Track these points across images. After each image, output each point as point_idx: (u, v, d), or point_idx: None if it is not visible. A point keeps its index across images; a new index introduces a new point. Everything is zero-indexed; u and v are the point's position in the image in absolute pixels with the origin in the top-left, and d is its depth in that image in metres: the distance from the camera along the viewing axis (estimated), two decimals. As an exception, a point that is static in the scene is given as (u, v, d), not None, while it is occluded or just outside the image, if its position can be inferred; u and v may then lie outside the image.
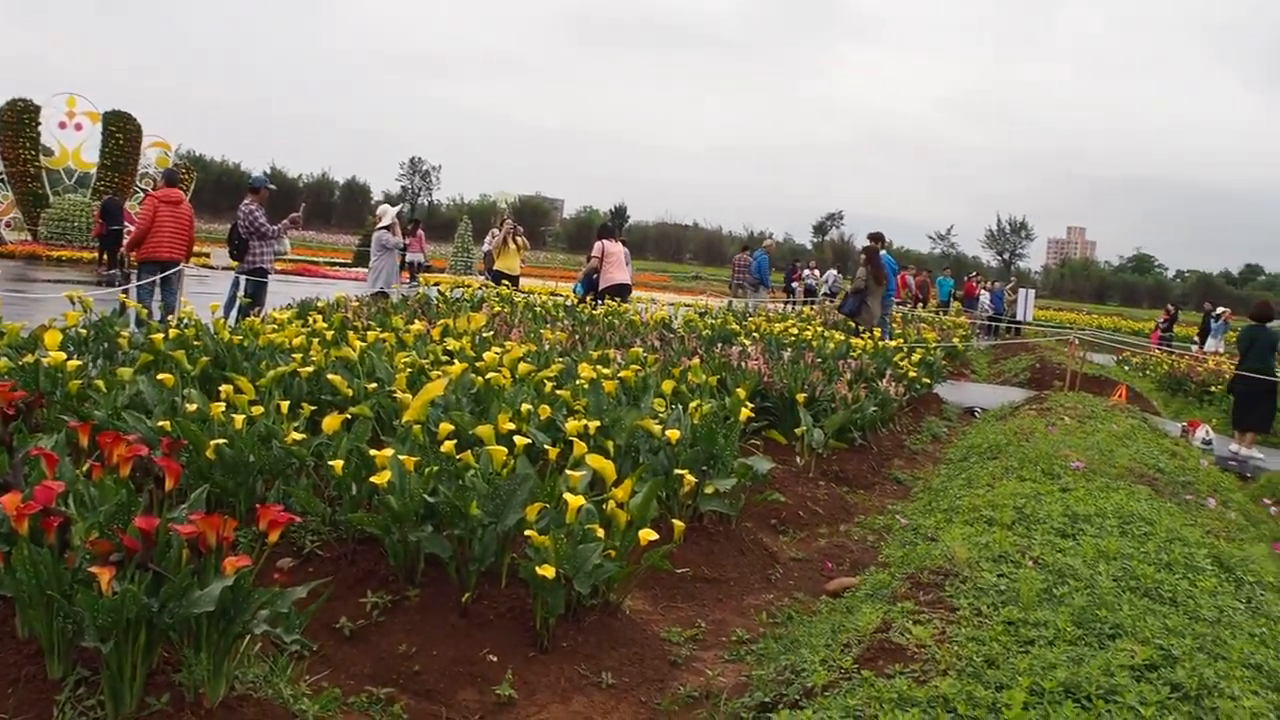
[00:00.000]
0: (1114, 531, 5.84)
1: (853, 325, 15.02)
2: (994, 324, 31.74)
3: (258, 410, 5.26)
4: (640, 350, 9.03)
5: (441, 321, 9.51)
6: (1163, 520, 6.45)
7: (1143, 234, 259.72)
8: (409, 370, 6.69)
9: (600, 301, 14.23)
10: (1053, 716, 3.28)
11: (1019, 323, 30.94)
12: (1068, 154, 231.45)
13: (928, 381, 13.49)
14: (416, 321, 9.60)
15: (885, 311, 16.24)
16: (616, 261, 15.93)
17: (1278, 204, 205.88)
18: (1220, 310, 29.88)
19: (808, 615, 5.47)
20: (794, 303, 23.90)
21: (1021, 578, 4.60)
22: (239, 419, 4.97)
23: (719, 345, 10.92)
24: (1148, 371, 23.08)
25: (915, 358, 12.80)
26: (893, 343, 12.32)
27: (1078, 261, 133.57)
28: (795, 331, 12.69)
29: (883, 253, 15.91)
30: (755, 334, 12.39)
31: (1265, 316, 14.41)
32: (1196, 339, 28.76)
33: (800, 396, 8.54)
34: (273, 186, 13.45)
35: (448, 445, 4.87)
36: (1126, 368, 24.56)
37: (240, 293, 12.45)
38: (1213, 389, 18.57)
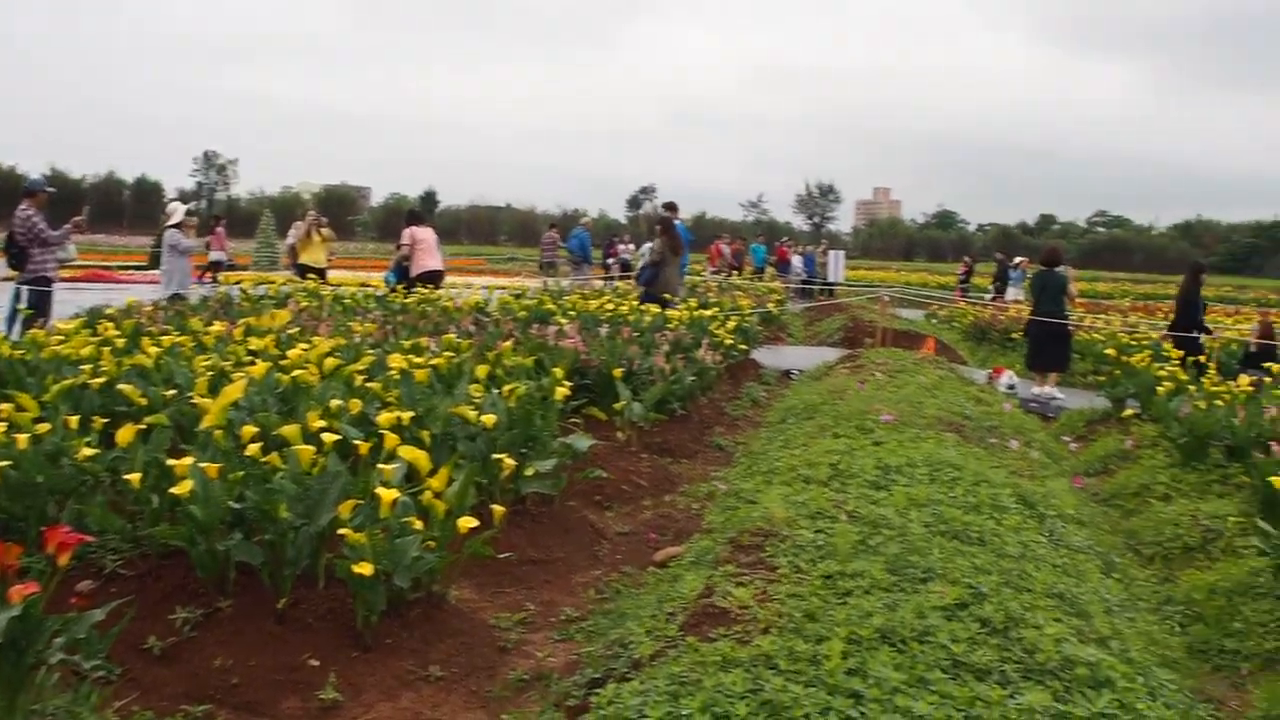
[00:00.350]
0: (924, 479, 6.02)
1: (659, 297, 14.96)
2: (808, 287, 32.41)
3: (43, 428, 4.99)
4: (454, 336, 8.92)
5: (244, 321, 9.23)
6: (970, 465, 6.69)
7: (945, 191, 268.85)
8: (210, 374, 6.45)
9: (412, 289, 14.00)
10: (870, 663, 3.35)
11: (831, 284, 31.62)
12: (870, 115, 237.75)
13: (745, 348, 13.69)
14: (217, 322, 9.29)
15: (681, 278, 16.28)
16: (428, 248, 15.70)
17: (1066, 156, 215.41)
18: (1018, 259, 31.05)
19: (636, 588, 5.50)
20: (611, 279, 23.96)
21: (838, 532, 4.71)
22: (22, 438, 4.72)
23: (535, 326, 10.88)
24: (954, 323, 23.87)
25: (730, 325, 12.98)
26: (674, 312, 12.38)
27: (885, 221, 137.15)
28: (611, 307, 12.72)
29: (677, 222, 15.83)
30: (571, 312, 12.37)
31: (1054, 261, 15.03)
32: (992, 287, 29.90)
33: (618, 371, 8.56)
34: (51, 189, 12.74)
35: (253, 448, 4.72)
36: (934, 321, 25.37)
37: (22, 304, 11.76)
38: (1014, 336, 19.32)
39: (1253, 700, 4.79)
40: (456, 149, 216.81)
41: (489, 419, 5.88)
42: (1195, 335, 14.00)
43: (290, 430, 4.95)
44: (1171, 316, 15.87)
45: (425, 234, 15.78)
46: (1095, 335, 18.13)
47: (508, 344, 8.26)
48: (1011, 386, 13.91)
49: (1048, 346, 14.30)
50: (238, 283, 15.67)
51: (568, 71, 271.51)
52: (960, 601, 4.01)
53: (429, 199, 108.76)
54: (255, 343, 7.90)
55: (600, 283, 21.95)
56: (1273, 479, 6.54)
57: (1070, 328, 14.84)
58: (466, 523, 4.51)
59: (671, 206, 16.35)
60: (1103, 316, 24.77)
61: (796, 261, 34.95)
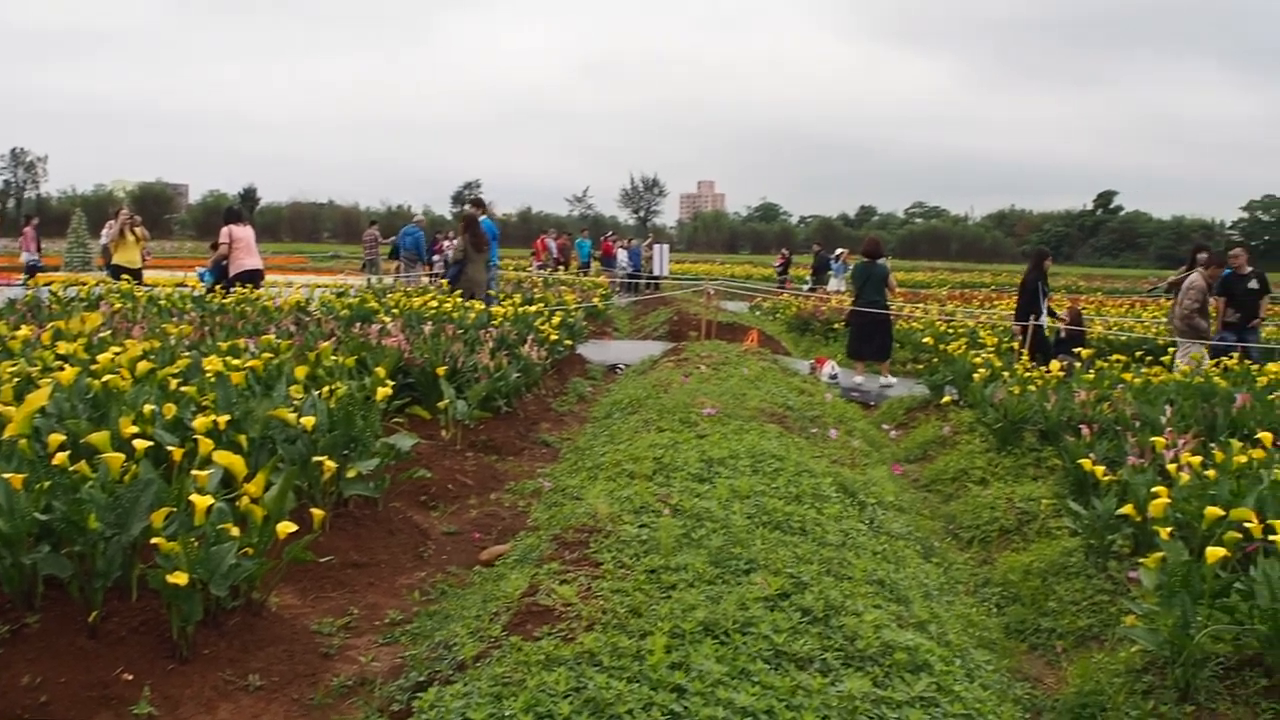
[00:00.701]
0: (747, 471, 6.14)
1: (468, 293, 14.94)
2: (634, 281, 32.65)
3: None
4: (273, 337, 8.72)
5: (52, 324, 8.84)
6: (792, 455, 6.84)
7: (768, 183, 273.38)
8: (15, 380, 6.17)
9: (231, 289, 13.62)
10: (693, 655, 3.42)
11: (656, 278, 31.95)
12: (694, 109, 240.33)
13: (570, 343, 13.74)
14: (24, 326, 8.87)
15: (490, 276, 16.32)
16: (247, 246, 15.31)
17: (885, 149, 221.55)
18: (839, 251, 31.91)
19: (462, 588, 5.48)
20: (435, 275, 23.74)
21: (661, 526, 4.77)
22: None
23: (358, 325, 10.71)
24: (777, 315, 24.34)
25: (555, 321, 13.00)
26: (498, 309, 12.40)
27: (709, 214, 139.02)
28: (435, 305, 12.61)
29: (483, 219, 15.93)
30: (395, 310, 12.22)
31: (875, 253, 15.49)
32: (809, 278, 30.72)
33: (441, 370, 8.50)
34: None
35: (60, 457, 4.54)
36: (758, 313, 25.85)
37: None
38: (836, 326, 19.80)
39: (1066, 677, 5.01)
40: (277, 145, 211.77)
41: (308, 421, 5.77)
42: (1040, 323, 14.36)
43: (99, 437, 4.77)
44: (1014, 303, 16.36)
45: (244, 232, 15.36)
46: (915, 324, 18.70)
47: (327, 344, 8.11)
48: (834, 376, 14.29)
49: (871, 336, 14.73)
50: (48, 284, 14.99)
51: (391, 66, 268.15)
52: (782, 591, 4.11)
53: (249, 196, 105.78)
54: (64, 347, 7.57)
55: (427, 280, 21.73)
56: (1082, 461, 6.85)
57: (891, 317, 15.30)
58: (285, 527, 4.43)
59: (478, 203, 16.49)
60: (920, 305, 25.56)
61: (622, 255, 35.11)
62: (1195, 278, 13.35)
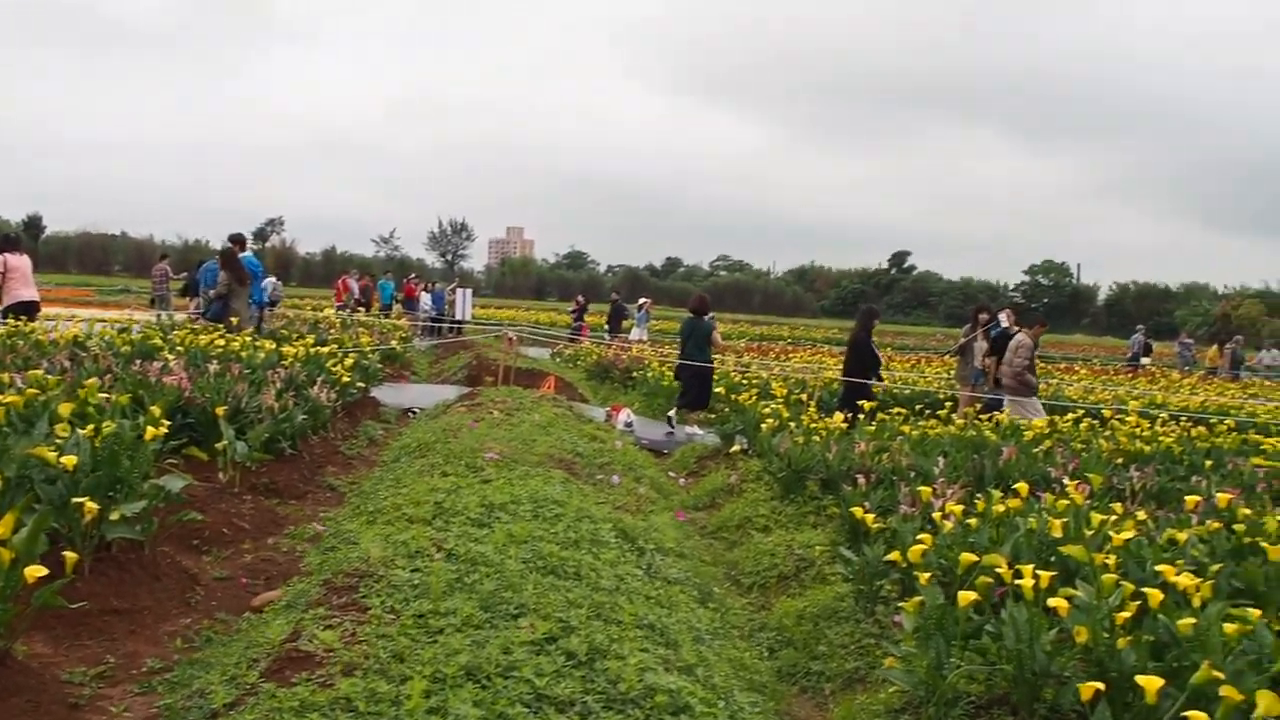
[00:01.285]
0: (528, 516, 6.15)
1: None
2: (437, 324, 32.39)
3: None
4: (42, 372, 8.33)
5: None
6: (574, 501, 6.88)
7: (577, 231, 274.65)
8: None
9: (3, 321, 12.97)
10: (452, 700, 3.40)
11: (459, 322, 31.77)
12: (505, 153, 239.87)
13: (363, 385, 13.53)
14: None
15: (252, 313, 16.27)
16: (22, 277, 14.64)
17: (692, 202, 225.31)
18: (643, 300, 32.37)
19: (228, 635, 5.31)
20: (197, 314, 23.07)
21: (434, 570, 4.74)
22: None
23: (139, 362, 10.31)
24: (578, 362, 24.46)
25: (349, 362, 12.78)
26: (288, 349, 12.21)
27: (517, 260, 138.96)
28: (223, 343, 12.26)
29: (245, 255, 16.06)
30: (180, 348, 11.82)
31: (702, 310, 15.86)
32: (606, 325, 31.13)
33: (221, 410, 8.24)
34: None
35: None
36: (559, 359, 25.93)
37: None
38: (634, 375, 19.98)
39: (832, 718, 5.15)
40: (67, 174, 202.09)
41: (69, 460, 5.53)
42: (868, 380, 14.45)
43: None
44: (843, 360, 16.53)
45: (19, 261, 14.68)
46: (733, 376, 18.93)
47: (93, 381, 7.78)
48: (629, 424, 14.40)
49: (692, 387, 14.99)
50: None
51: (192, 97, 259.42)
52: (550, 635, 4.12)
53: (33, 224, 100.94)
54: None
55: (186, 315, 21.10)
56: (854, 509, 7.08)
57: (713, 370, 15.60)
58: (34, 571, 4.22)
59: (237, 239, 16.57)
60: (717, 356, 25.99)
61: (425, 298, 34.83)
62: (1023, 336, 13.99)
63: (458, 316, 32.04)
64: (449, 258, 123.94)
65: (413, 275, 41.73)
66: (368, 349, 15.43)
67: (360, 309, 30.09)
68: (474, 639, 3.98)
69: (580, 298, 35.34)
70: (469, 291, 35.01)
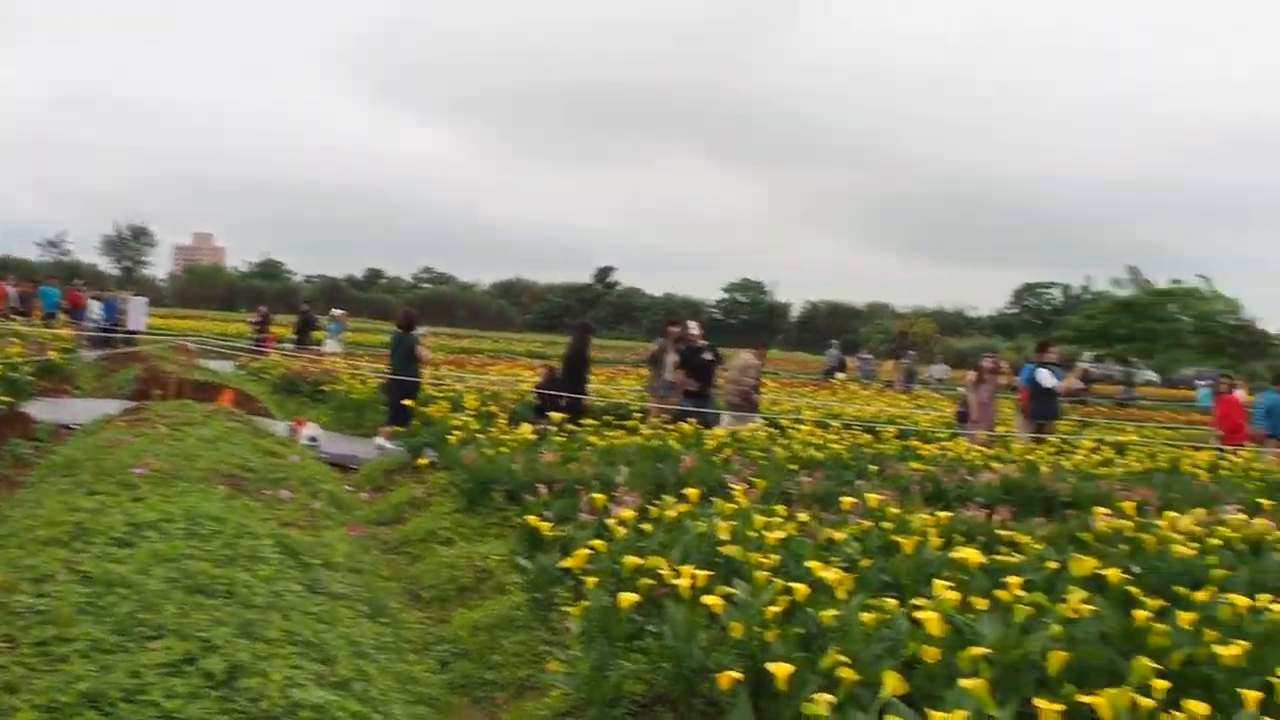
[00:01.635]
0: (180, 534, 5.86)
1: None
2: (109, 335, 30.55)
3: None
4: None
5: None
6: (234, 518, 6.60)
7: (272, 240, 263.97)
8: None
9: None
10: (69, 729, 3.17)
11: (132, 333, 30.04)
12: (192, 156, 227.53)
13: (11, 400, 12.59)
14: None
15: None
16: None
17: (392, 213, 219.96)
18: (337, 312, 31.56)
19: None
20: None
21: (64, 594, 4.43)
22: None
23: None
24: (264, 375, 23.61)
25: (-5, 376, 11.87)
26: None
27: (206, 268, 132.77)
28: None
29: None
30: None
31: (409, 325, 15.70)
32: (294, 336, 30.41)
33: None
34: None
35: None
36: (243, 372, 24.94)
37: None
38: (324, 389, 19.48)
39: (502, 728, 5.14)
40: None
41: None
42: (581, 395, 14.77)
43: None
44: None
45: None
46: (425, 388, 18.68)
47: None
48: (313, 439, 14.00)
49: (396, 402, 14.76)
50: None
51: None
52: (188, 656, 3.93)
53: None
54: None
55: None
56: (529, 517, 7.08)
57: (419, 385, 15.42)
58: None
59: None
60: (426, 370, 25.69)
61: (95, 307, 32.73)
62: (750, 357, 14.90)
63: (130, 327, 30.29)
64: (128, 264, 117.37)
65: (80, 282, 39.20)
66: (18, 360, 14.36)
67: (18, 317, 28.04)
68: (102, 664, 3.74)
69: (263, 308, 34.06)
70: (144, 300, 33.13)
